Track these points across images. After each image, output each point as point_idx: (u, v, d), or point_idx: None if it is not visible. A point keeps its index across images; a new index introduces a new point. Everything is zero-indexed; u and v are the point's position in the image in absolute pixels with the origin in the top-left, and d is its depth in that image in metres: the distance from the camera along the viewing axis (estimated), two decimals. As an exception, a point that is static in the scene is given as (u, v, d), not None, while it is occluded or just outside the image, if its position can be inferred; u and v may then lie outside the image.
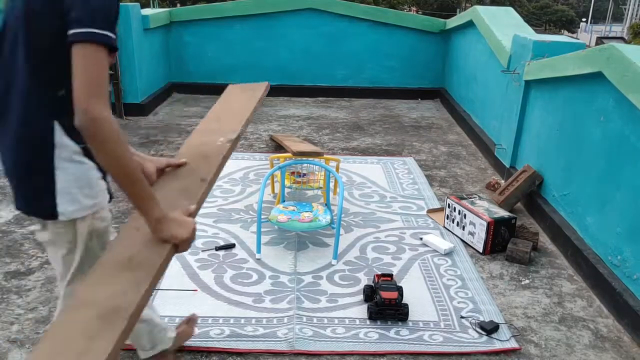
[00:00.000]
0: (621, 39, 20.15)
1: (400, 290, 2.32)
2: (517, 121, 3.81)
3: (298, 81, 6.44)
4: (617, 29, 37.26)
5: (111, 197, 1.57)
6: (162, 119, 5.44)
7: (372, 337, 2.19)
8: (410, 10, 31.56)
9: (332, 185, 3.50)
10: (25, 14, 1.29)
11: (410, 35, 6.42)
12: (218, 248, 2.82)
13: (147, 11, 5.89)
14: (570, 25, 39.15)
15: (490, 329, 2.23)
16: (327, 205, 3.22)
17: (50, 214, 1.40)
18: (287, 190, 3.40)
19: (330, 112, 5.82)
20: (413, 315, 2.32)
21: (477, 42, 5.12)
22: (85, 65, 1.21)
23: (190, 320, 2.11)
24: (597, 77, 2.76)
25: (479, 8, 5.20)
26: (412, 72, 6.58)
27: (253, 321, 2.26)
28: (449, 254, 2.88)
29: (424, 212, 3.38)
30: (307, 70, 6.42)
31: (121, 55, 5.26)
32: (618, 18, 46.69)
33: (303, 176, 3.38)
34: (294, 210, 2.92)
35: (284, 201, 3.20)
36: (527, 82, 3.69)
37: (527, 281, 2.67)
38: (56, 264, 1.55)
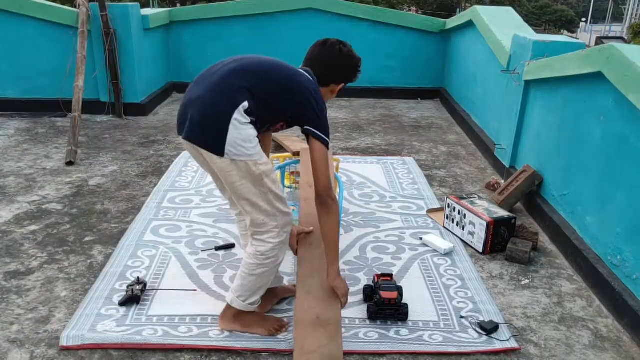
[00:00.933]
0: (621, 39, 20.17)
1: (400, 290, 2.32)
2: (516, 121, 3.81)
3: (298, 81, 6.42)
4: (617, 29, 37.29)
5: None
6: (162, 119, 5.44)
7: (372, 337, 2.19)
8: (410, 10, 31.58)
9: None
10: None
11: (410, 35, 6.42)
12: (218, 248, 2.82)
13: (147, 11, 5.89)
14: (570, 25, 39.18)
15: (490, 329, 2.23)
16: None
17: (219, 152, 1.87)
18: (286, 190, 3.40)
19: (330, 112, 5.82)
20: (413, 315, 2.32)
21: (477, 42, 5.12)
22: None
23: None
24: (597, 77, 2.76)
25: (479, 8, 5.20)
26: (412, 72, 6.58)
27: (253, 321, 2.26)
28: (448, 254, 2.88)
29: (424, 212, 3.38)
30: (306, 70, 6.41)
31: (121, 55, 5.26)
32: (618, 18, 46.71)
33: (303, 176, 3.38)
34: (293, 210, 2.91)
35: (283, 201, 3.20)
36: (527, 82, 3.70)
37: (526, 281, 2.67)
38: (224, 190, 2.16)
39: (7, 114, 5.30)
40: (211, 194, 3.51)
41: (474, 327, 2.27)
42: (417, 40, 6.45)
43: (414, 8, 33.96)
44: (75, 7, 5.19)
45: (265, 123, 1.96)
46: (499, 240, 2.91)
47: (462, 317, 2.34)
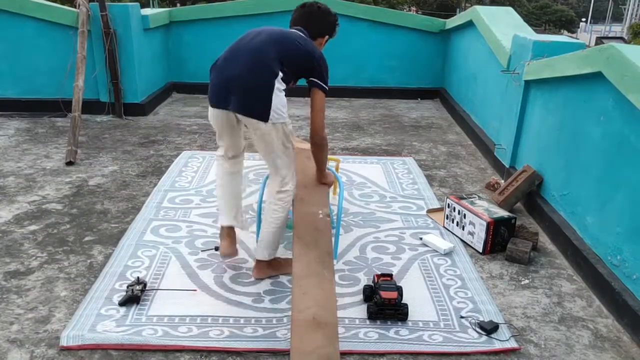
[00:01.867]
0: (621, 39, 20.18)
1: (399, 290, 2.32)
2: (516, 121, 3.81)
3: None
4: (617, 29, 37.32)
5: None
6: (162, 118, 5.44)
7: (371, 337, 2.19)
8: (410, 10, 31.59)
9: (331, 185, 3.50)
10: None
11: (410, 35, 6.42)
12: (218, 248, 2.82)
13: (147, 11, 5.89)
14: (570, 25, 39.21)
15: (489, 329, 2.23)
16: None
17: (265, 119, 2.27)
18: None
19: (330, 111, 5.82)
20: (413, 315, 2.32)
21: (477, 42, 5.12)
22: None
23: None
24: (596, 77, 2.76)
25: (479, 8, 5.20)
26: (412, 72, 6.58)
27: (252, 321, 2.26)
28: (448, 253, 2.88)
29: (424, 212, 3.38)
30: (306, 70, 6.41)
31: (121, 55, 5.26)
32: (618, 18, 46.73)
33: (303, 176, 3.38)
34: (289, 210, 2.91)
35: (283, 201, 3.20)
36: (527, 82, 3.69)
37: (526, 281, 2.67)
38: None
39: (7, 114, 5.30)
40: (211, 194, 3.51)
41: (473, 327, 2.27)
42: (417, 40, 6.44)
43: (413, 8, 33.98)
44: (75, 7, 5.19)
45: (288, 85, 2.37)
46: (499, 240, 2.91)
47: (462, 317, 2.34)
